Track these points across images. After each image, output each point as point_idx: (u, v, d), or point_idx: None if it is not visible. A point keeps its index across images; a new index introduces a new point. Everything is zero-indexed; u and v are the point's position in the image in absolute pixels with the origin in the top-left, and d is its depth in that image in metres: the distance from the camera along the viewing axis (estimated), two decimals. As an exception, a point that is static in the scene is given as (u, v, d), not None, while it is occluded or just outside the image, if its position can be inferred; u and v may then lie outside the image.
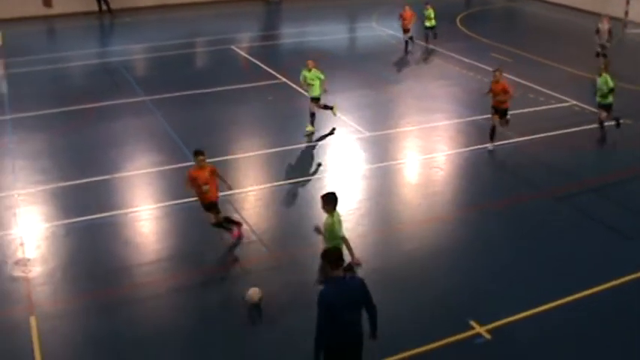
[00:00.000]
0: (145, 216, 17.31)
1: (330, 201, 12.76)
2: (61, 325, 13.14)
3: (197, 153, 15.14)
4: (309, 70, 22.09)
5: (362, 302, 9.48)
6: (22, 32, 39.67)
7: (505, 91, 20.20)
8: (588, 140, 21.14)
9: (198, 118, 23.97)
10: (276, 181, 19.06)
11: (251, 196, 18.28)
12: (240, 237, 15.77)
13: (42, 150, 21.56)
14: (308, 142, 21.78)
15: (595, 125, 21.38)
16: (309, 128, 22.35)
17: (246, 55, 32.62)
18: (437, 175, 19.37)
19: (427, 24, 33.33)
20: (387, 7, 36.71)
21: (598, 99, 20.86)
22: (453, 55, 31.67)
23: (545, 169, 19.57)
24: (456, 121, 23.23)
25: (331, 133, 22.41)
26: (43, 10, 43.21)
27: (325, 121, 23.25)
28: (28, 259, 15.28)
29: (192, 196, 17.77)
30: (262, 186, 18.85)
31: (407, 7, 32.64)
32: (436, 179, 19.17)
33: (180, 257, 15.36)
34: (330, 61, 30.70)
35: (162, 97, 26.06)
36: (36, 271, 14.87)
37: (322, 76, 22.21)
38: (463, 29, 38.00)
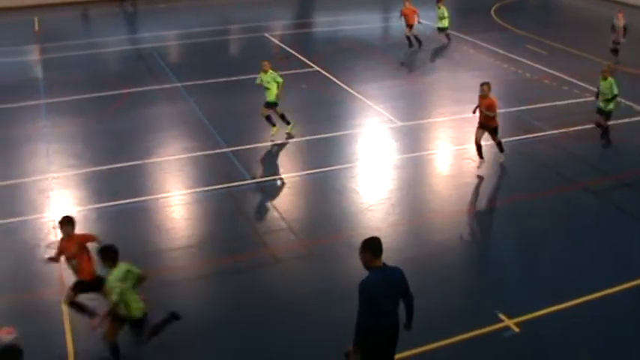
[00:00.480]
0: (176, 202, 17.38)
1: (108, 255, 11.00)
2: (92, 307, 13.23)
3: (63, 221, 12.30)
4: (265, 72, 20.60)
5: (401, 292, 9.50)
6: (57, 18, 40.01)
7: (490, 108, 18.27)
8: (623, 134, 20.85)
9: (230, 105, 24.00)
10: (307, 170, 19.02)
11: (282, 183, 18.31)
12: (93, 328, 12.06)
13: (76, 134, 21.72)
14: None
15: (634, 118, 21.17)
16: (274, 130, 20.98)
17: (280, 43, 32.59)
18: (468, 167, 19.22)
19: (439, 24, 31.97)
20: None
21: (600, 104, 20.08)
22: (486, 45, 31.38)
23: (579, 162, 19.37)
24: (489, 112, 23.00)
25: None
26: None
27: (360, 110, 23.27)
28: (61, 242, 15.41)
29: (222, 183, 17.96)
30: (293, 174, 18.85)
31: (407, 3, 31.22)
32: (468, 170, 19.03)
33: (210, 243, 15.43)
34: (364, 50, 30.68)
35: (196, 84, 26.12)
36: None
37: (280, 80, 20.62)
38: (497, 20, 37.67)
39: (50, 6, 41.97)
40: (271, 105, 20.76)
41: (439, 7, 31.85)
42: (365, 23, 36.89)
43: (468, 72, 27.55)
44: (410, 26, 31.04)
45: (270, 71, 20.59)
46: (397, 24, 32.31)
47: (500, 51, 30.34)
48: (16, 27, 37.90)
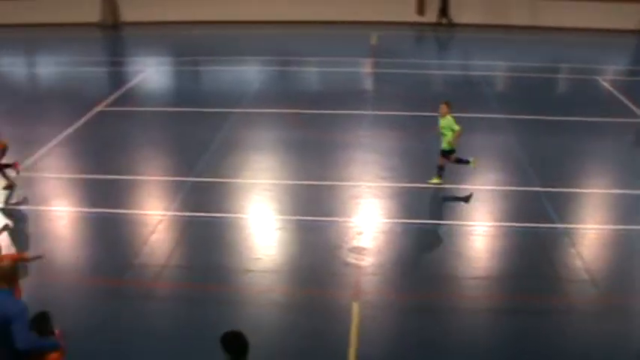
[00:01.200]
0: (480, 232, 17.33)
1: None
2: (382, 315, 13.60)
3: None
4: (443, 117, 18.88)
5: None
6: (394, 35, 41.57)
7: None
8: None
9: (551, 145, 23.24)
10: (617, 224, 17.92)
11: (592, 233, 17.49)
12: None
13: (393, 148, 22.43)
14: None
15: None
16: (435, 180, 19.41)
17: (611, 88, 31.24)
18: None
19: None
20: None
21: None
22: None
23: None
24: None
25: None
26: (415, 17, 44.78)
27: None
28: (363, 249, 15.99)
29: (528, 222, 17.56)
30: (603, 226, 17.94)
31: None
32: None
33: (505, 279, 15.21)
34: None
35: (517, 118, 25.84)
36: (368, 260, 15.51)
37: (456, 127, 18.55)
38: None
39: (389, 24, 43.58)
40: (444, 153, 19.16)
41: None
42: None
43: None
44: None
45: (448, 117, 18.81)
46: None
47: None
48: (354, 40, 39.96)
